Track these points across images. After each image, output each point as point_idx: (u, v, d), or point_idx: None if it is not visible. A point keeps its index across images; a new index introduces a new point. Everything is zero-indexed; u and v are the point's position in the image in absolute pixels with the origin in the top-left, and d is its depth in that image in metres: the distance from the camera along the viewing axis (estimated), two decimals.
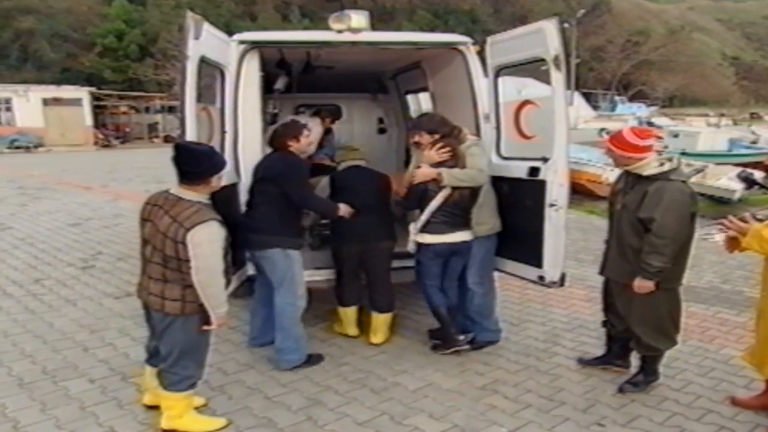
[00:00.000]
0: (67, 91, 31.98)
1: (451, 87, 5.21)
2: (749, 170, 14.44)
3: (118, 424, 3.39)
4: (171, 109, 38.11)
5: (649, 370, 3.78)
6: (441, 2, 64.33)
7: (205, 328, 3.12)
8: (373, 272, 4.49)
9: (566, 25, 36.55)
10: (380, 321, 4.52)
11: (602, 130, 22.49)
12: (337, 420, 3.46)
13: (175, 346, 3.15)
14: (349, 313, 4.59)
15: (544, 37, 3.80)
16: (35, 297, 5.66)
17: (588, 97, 42.07)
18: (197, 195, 3.06)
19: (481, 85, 4.71)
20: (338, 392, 3.78)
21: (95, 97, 33.39)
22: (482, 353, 4.30)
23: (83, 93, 32.07)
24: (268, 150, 4.29)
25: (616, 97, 53.28)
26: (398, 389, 3.82)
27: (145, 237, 3.10)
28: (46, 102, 30.81)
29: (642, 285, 3.45)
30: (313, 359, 4.16)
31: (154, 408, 3.42)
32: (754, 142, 22.36)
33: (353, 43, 4.46)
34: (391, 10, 58.97)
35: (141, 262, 3.18)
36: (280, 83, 5.69)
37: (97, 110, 33.95)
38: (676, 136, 20.69)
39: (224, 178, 3.94)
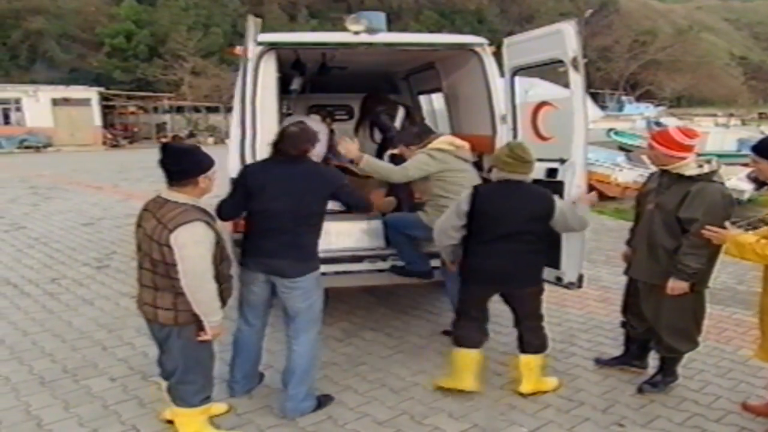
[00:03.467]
0: (76, 92, 32.15)
1: (466, 88, 5.22)
2: None
3: (141, 423, 3.42)
4: (179, 110, 38.36)
5: (668, 371, 3.77)
6: (447, 2, 64.20)
7: (200, 338, 2.95)
8: (521, 313, 3.74)
9: None
10: (529, 363, 3.72)
11: (611, 130, 22.38)
12: (358, 419, 3.48)
13: (178, 360, 3.02)
14: (466, 357, 3.68)
15: (563, 38, 3.81)
16: (52, 296, 5.71)
17: (595, 97, 41.87)
18: (186, 197, 2.88)
19: (498, 86, 4.72)
20: (358, 392, 3.80)
21: (104, 97, 33.59)
22: (500, 353, 4.28)
23: (92, 93, 32.27)
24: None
25: (624, 97, 52.99)
26: (417, 389, 3.84)
27: (138, 242, 2.96)
28: (55, 102, 31.04)
29: (676, 286, 3.42)
30: (323, 402, 3.60)
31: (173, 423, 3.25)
32: None
33: (370, 44, 4.48)
34: (398, 10, 58.88)
35: (137, 270, 3.02)
36: (296, 84, 5.71)
37: (106, 110, 34.18)
38: None
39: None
